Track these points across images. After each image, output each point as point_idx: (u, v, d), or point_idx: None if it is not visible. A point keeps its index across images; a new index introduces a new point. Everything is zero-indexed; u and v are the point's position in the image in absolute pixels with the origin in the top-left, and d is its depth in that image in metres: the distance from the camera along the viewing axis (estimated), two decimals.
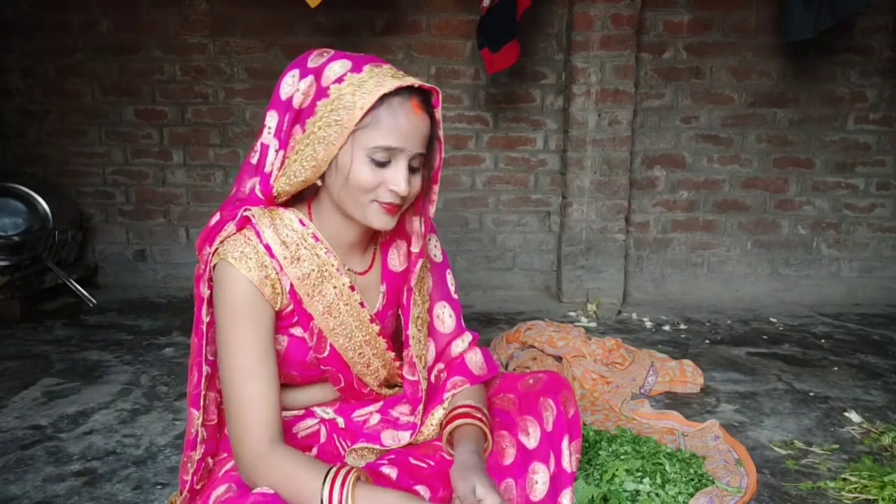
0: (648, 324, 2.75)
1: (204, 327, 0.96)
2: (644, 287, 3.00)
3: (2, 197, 2.76)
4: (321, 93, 0.91)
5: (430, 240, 1.14)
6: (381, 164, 0.92)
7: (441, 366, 1.13)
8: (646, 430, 1.71)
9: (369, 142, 0.90)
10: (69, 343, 2.38)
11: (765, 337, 2.56)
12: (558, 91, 2.92)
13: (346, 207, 0.96)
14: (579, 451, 1.13)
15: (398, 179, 0.92)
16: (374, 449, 1.04)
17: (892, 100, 2.85)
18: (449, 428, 1.02)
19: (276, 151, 0.96)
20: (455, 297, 1.16)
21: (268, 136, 0.96)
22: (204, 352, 0.97)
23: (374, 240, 1.09)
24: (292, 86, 0.94)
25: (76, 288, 2.85)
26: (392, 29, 2.93)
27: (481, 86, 2.94)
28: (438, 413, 1.08)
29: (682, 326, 2.69)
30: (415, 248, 1.06)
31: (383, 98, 0.90)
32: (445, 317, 1.13)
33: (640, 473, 1.39)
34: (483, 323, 2.68)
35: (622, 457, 1.46)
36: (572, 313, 2.85)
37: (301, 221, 0.99)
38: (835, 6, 2.36)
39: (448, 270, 1.16)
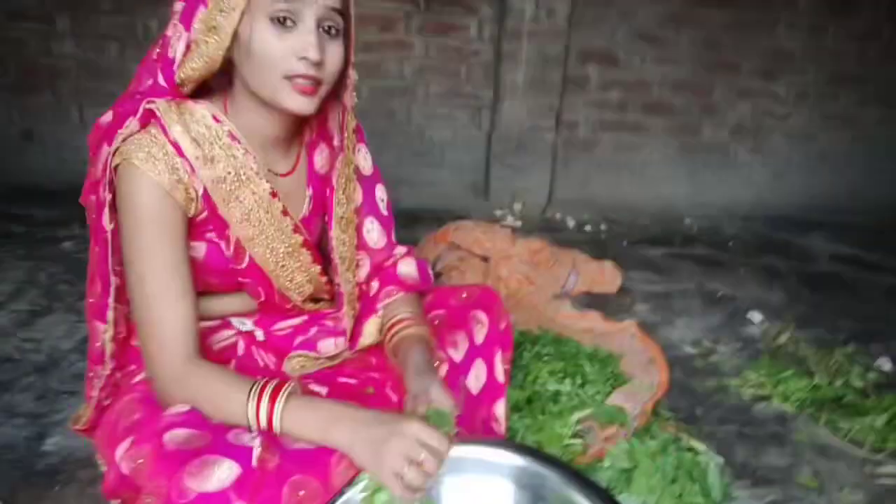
0: (571, 223, 2.79)
1: (108, 236, 0.86)
2: (569, 187, 3.01)
3: None
4: None
5: (359, 151, 1.05)
6: (287, 27, 0.81)
7: (375, 282, 1.08)
8: (567, 331, 1.76)
9: (269, 0, 0.79)
10: None
11: (679, 238, 2.67)
12: None
13: (258, 90, 0.85)
14: (509, 361, 1.15)
15: (307, 42, 0.81)
16: (309, 356, 1.02)
17: (821, 7, 2.85)
18: (393, 338, 1.00)
19: (181, 36, 0.84)
20: (385, 212, 1.09)
21: (172, 28, 0.85)
22: (110, 262, 0.88)
23: (299, 137, 0.99)
24: None
25: None
26: None
27: None
28: (373, 323, 1.05)
29: (604, 227, 2.76)
30: (335, 143, 0.98)
31: None
32: (375, 232, 1.08)
33: (561, 374, 1.44)
34: (410, 220, 2.62)
35: (545, 358, 1.50)
36: (499, 212, 2.85)
37: (215, 117, 0.88)
38: None
39: (379, 184, 1.09)
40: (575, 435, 1.25)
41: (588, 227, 2.75)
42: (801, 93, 3.00)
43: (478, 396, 1.09)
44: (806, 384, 1.49)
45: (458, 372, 1.05)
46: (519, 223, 2.74)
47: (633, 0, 2.77)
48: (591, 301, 2.01)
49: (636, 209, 2.92)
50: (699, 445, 1.18)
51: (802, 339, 1.79)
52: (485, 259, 2.16)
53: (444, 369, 1.02)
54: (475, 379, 1.10)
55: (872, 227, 2.83)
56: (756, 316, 1.92)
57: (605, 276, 2.13)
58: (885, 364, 1.66)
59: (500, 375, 1.12)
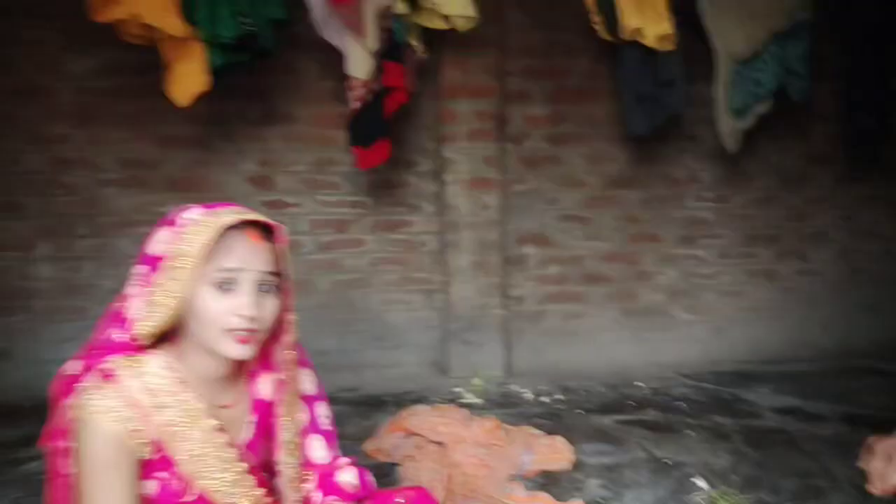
0: (529, 395, 2.87)
1: (69, 479, 0.97)
2: (524, 358, 3.14)
3: None
4: (176, 239, 1.00)
5: (302, 375, 1.20)
6: (227, 290, 0.99)
7: (318, 493, 1.17)
8: None
9: (211, 270, 0.99)
10: None
11: (631, 403, 2.74)
12: (433, 177, 3.08)
13: (204, 342, 1.01)
14: None
15: (243, 301, 0.99)
16: None
17: (721, 180, 3.24)
18: None
19: (138, 296, 1.02)
20: (329, 428, 1.22)
21: (131, 288, 1.03)
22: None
23: (243, 370, 1.13)
24: (158, 240, 1.03)
25: None
26: (268, 119, 2.99)
27: (360, 172, 3.04)
28: None
29: (559, 396, 2.83)
30: (280, 376, 1.13)
31: (224, 232, 0.99)
32: (320, 449, 1.19)
33: None
34: (372, 406, 2.69)
35: None
36: (459, 388, 2.92)
37: (166, 366, 1.02)
38: (661, 105, 2.71)
39: (321, 402, 1.22)
40: None
41: (545, 398, 2.83)
42: (722, 254, 3.29)
43: None
44: None
45: None
46: (478, 399, 2.82)
47: (555, 190, 3.13)
48: (546, 479, 2.05)
49: (590, 375, 3.03)
50: None
51: None
52: (440, 444, 2.21)
53: None
54: None
55: (814, 375, 2.97)
56: (701, 483, 1.97)
57: (558, 453, 2.19)
58: None
59: None
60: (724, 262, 3.29)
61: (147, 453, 0.98)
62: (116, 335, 1.03)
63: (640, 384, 2.97)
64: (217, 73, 2.32)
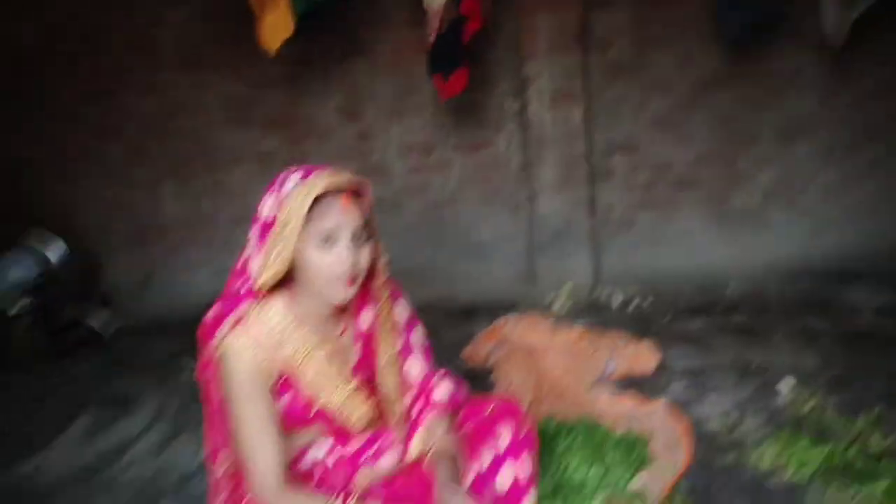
0: (617, 302, 2.96)
1: (217, 403, 1.25)
2: (613, 265, 3.21)
3: (15, 245, 2.96)
4: (281, 205, 1.19)
5: (396, 307, 1.39)
6: (328, 246, 1.18)
7: (418, 405, 1.38)
8: (605, 415, 1.96)
9: (313, 231, 1.18)
10: (96, 376, 2.58)
11: (721, 306, 2.77)
12: (515, 95, 3.09)
13: (314, 288, 1.22)
14: (534, 456, 1.38)
15: (343, 254, 1.18)
16: (373, 471, 1.33)
17: (826, 73, 3.01)
18: (429, 455, 1.29)
19: (256, 255, 1.23)
20: (422, 348, 1.41)
21: (250, 247, 1.25)
22: (216, 420, 1.25)
23: (348, 306, 1.34)
24: (266, 206, 1.22)
25: (93, 323, 3.09)
26: (353, 52, 3.09)
27: None
28: (416, 440, 1.33)
29: (648, 301, 2.90)
30: (376, 309, 1.33)
31: (319, 198, 1.17)
32: (415, 369, 1.39)
33: (589, 462, 1.66)
34: (466, 315, 2.90)
35: (574, 448, 1.73)
36: (548, 297, 3.06)
37: (284, 309, 1.25)
38: (759, 5, 2.54)
39: (416, 327, 1.42)
40: None
41: (633, 304, 2.91)
42: (825, 151, 3.12)
43: (506, 495, 1.35)
44: (820, 452, 1.62)
45: (484, 480, 1.33)
46: (568, 305, 2.95)
47: (643, 96, 3.05)
48: (630, 383, 2.18)
49: (680, 278, 3.04)
50: None
51: (830, 405, 1.88)
52: (530, 352, 2.41)
53: (469, 478, 1.29)
54: (502, 482, 1.36)
55: None
56: (786, 385, 2.03)
57: (643, 359, 2.31)
58: None
59: (524, 475, 1.37)
60: (826, 160, 3.13)
61: (276, 378, 1.23)
62: (243, 286, 1.26)
63: (731, 286, 2.96)
64: (302, 17, 2.43)
